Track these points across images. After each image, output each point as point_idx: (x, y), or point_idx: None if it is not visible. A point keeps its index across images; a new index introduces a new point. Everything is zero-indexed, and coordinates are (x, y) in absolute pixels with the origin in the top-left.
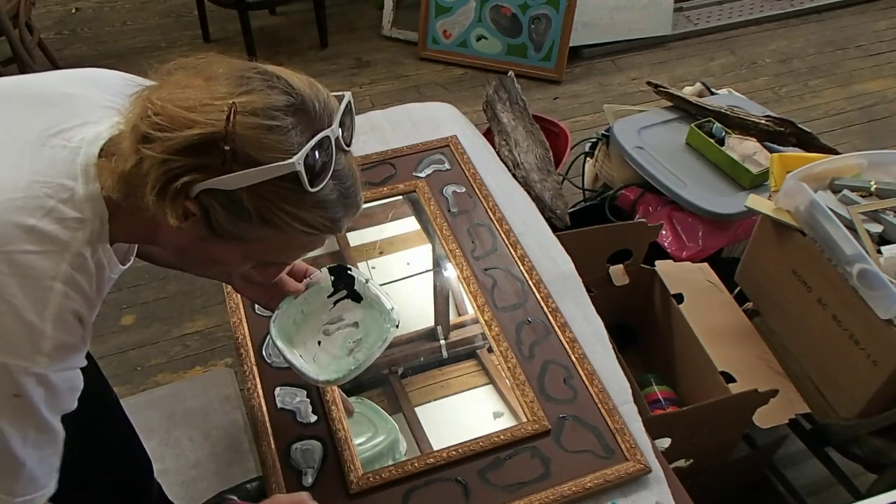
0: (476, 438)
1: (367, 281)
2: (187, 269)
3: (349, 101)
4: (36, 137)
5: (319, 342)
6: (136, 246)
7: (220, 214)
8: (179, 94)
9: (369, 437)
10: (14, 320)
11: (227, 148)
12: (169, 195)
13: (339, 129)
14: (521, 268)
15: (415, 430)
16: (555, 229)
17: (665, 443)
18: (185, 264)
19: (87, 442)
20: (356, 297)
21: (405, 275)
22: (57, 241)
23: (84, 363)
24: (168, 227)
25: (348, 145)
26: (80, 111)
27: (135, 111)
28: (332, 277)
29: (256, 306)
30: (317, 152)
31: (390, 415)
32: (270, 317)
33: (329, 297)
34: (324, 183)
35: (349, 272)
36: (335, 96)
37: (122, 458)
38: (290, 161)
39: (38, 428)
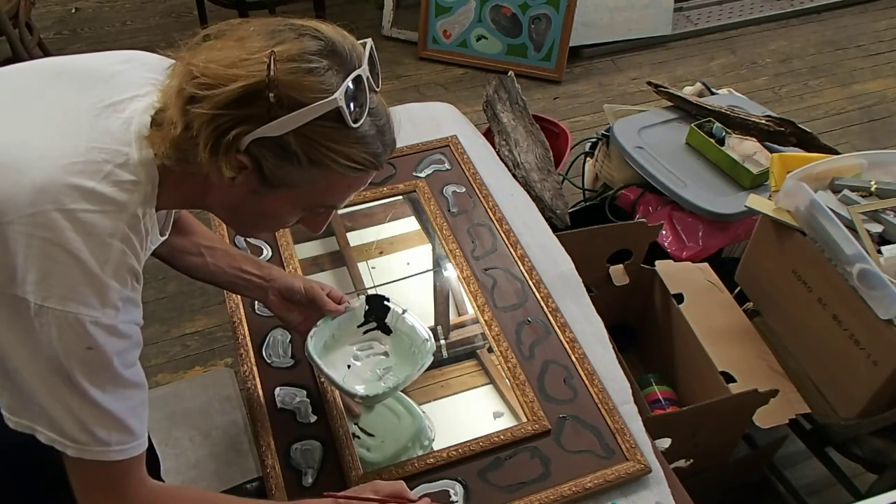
0: (476, 438)
1: (403, 311)
2: (235, 229)
3: (372, 46)
4: (90, 109)
5: (349, 366)
6: (173, 219)
7: (271, 163)
8: (217, 54)
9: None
10: (82, 273)
11: (271, 95)
12: (222, 150)
13: (368, 71)
14: (521, 268)
15: None
16: (555, 229)
17: (665, 443)
18: (234, 222)
19: None
20: (385, 330)
21: (405, 275)
22: (115, 202)
23: (142, 322)
24: (218, 188)
25: (377, 86)
26: (128, 86)
27: (176, 78)
28: (367, 307)
29: (256, 306)
30: (354, 90)
31: None
32: (270, 316)
33: (359, 326)
34: (363, 118)
35: (385, 303)
36: (359, 43)
37: None
38: (333, 97)
39: (115, 380)
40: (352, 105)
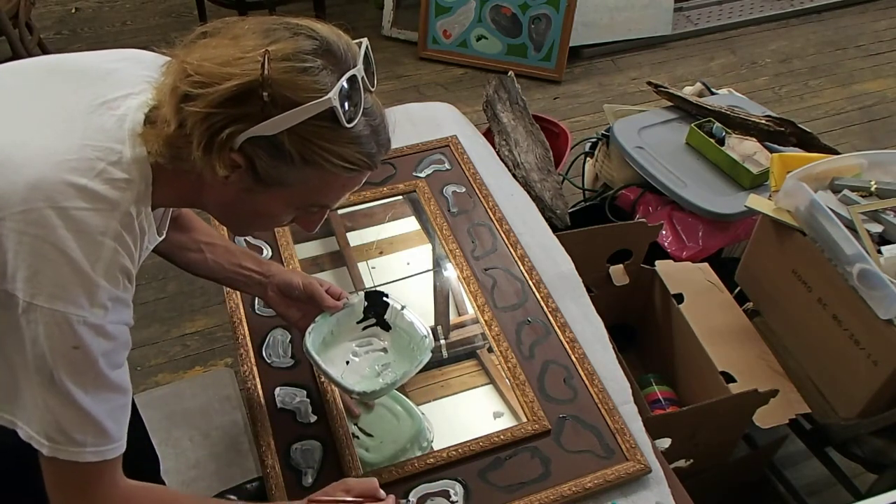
0: (476, 438)
1: (402, 308)
2: (230, 228)
3: (367, 46)
4: (84, 107)
5: (348, 362)
6: (170, 218)
7: (264, 161)
8: (212, 52)
9: (394, 426)
10: (72, 271)
11: (265, 94)
12: (215, 149)
13: (363, 70)
14: (521, 268)
15: None
16: (555, 229)
17: (665, 443)
18: (228, 221)
19: None
20: (385, 327)
21: (405, 275)
22: (107, 200)
23: (132, 322)
24: (211, 186)
25: (372, 86)
26: (123, 84)
27: (171, 76)
28: (366, 303)
29: (257, 306)
30: (348, 90)
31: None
32: (270, 315)
33: (358, 322)
34: (357, 118)
35: (384, 299)
36: (355, 42)
37: (132, 451)
38: (327, 97)
39: (98, 382)
40: (346, 105)
